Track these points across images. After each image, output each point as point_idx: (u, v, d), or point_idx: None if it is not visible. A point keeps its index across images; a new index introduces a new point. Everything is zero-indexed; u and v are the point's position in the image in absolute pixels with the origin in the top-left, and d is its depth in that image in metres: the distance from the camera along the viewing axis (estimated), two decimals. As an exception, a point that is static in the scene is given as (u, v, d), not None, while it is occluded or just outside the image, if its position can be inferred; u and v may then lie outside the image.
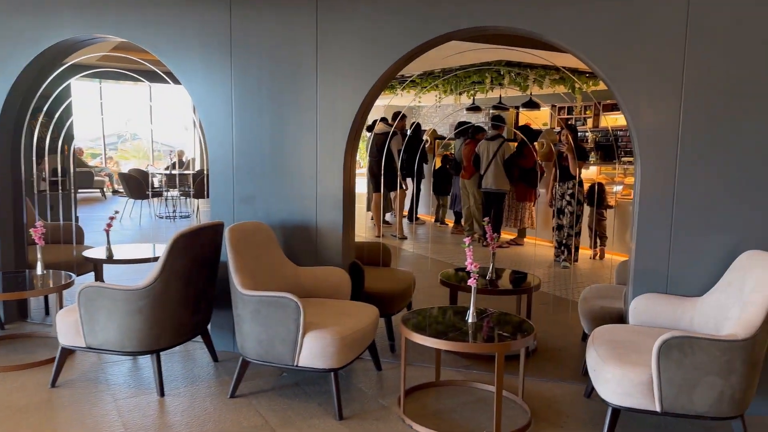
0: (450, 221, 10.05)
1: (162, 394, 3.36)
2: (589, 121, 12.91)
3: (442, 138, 11.84)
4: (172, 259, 3.28)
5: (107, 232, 4.76)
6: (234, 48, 3.85)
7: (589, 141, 11.94)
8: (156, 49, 3.92)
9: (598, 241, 7.53)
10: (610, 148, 10.82)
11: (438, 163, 10.37)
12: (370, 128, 9.07)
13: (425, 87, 10.76)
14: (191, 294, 3.47)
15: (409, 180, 9.45)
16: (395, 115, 8.84)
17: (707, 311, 3.05)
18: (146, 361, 3.79)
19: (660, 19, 3.20)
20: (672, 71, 3.20)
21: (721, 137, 3.18)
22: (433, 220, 10.52)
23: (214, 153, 3.99)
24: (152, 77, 4.92)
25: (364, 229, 9.57)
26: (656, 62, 3.23)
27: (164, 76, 4.25)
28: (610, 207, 7.56)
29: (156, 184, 11.06)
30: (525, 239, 8.51)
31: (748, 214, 3.17)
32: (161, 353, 3.44)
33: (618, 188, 8.04)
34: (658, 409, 2.63)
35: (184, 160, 13.11)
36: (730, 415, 2.63)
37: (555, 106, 13.23)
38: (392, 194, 9.32)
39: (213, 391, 3.43)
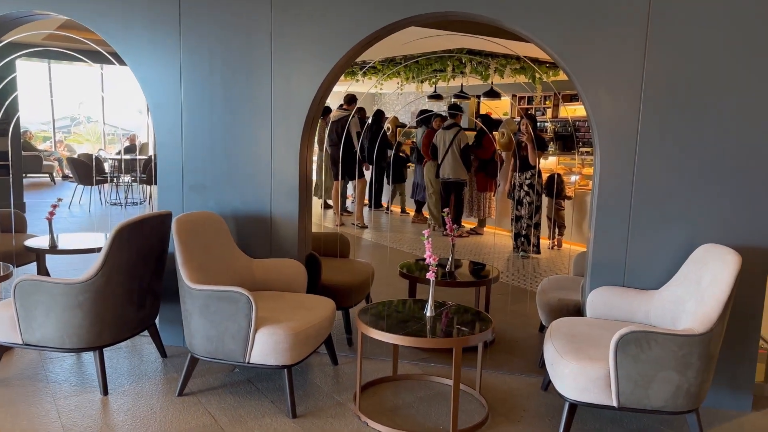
0: (411, 210, 9.98)
1: (105, 392, 3.19)
2: (549, 111, 13.01)
3: (404, 126, 11.76)
4: (115, 252, 3.10)
5: (49, 220, 4.51)
6: (183, 28, 3.65)
7: (549, 131, 12.02)
8: (98, 27, 3.69)
9: (556, 231, 7.58)
10: (569, 139, 10.91)
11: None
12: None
13: (386, 74, 10.64)
14: (136, 287, 3.30)
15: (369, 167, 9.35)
16: (348, 99, 8.71)
17: (664, 305, 3.05)
18: (90, 358, 3.60)
19: (622, 9, 3.15)
20: (633, 63, 3.17)
21: (679, 130, 3.17)
22: (385, 207, 10.42)
23: (161, 138, 3.80)
24: (102, 58, 4.66)
25: (321, 219, 9.44)
26: (617, 53, 3.19)
27: (109, 57, 4.02)
28: (569, 198, 7.60)
29: (108, 169, 10.66)
30: (485, 228, 8.53)
31: (704, 208, 3.18)
32: (105, 349, 3.27)
33: (575, 178, 8.09)
34: (615, 404, 2.61)
35: (137, 144, 12.70)
36: (686, 410, 2.63)
37: (515, 95, 13.28)
38: (351, 183, 9.20)
39: (160, 389, 3.28)
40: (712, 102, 3.11)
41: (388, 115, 12.75)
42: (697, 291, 2.79)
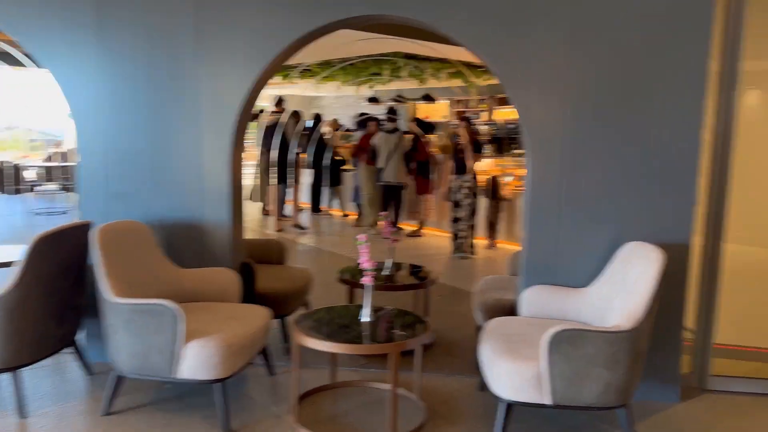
0: (353, 213, 9.93)
1: (24, 415, 2.99)
2: (484, 115, 13.23)
3: (343, 127, 11.70)
4: (33, 265, 2.92)
5: (-39, 233, 4.22)
6: (102, 28, 3.48)
7: (484, 134, 12.22)
8: (13, 29, 3.47)
9: (493, 232, 7.70)
10: (504, 141, 11.12)
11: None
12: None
13: (323, 76, 10.56)
14: (55, 302, 3.11)
15: (307, 171, 9.27)
16: (277, 101, 8.61)
17: (593, 302, 3.12)
18: (8, 379, 3.37)
19: (548, 15, 3.22)
20: (558, 68, 3.24)
21: (604, 132, 3.26)
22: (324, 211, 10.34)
23: (83, 144, 3.61)
24: (15, 61, 4.40)
25: (260, 224, 9.26)
26: (544, 58, 3.25)
27: (19, 60, 3.80)
28: (507, 200, 7.72)
29: (34, 177, 10.13)
30: (424, 230, 8.57)
31: (629, 207, 3.28)
32: (27, 369, 3.07)
33: (509, 179, 8.23)
34: (548, 402, 2.65)
35: (63, 150, 12.14)
36: (616, 405, 2.69)
37: (452, 99, 13.44)
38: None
39: (84, 408, 3.11)
40: (633, 103, 3.21)
41: (328, 117, 12.68)
42: (624, 288, 2.87)
